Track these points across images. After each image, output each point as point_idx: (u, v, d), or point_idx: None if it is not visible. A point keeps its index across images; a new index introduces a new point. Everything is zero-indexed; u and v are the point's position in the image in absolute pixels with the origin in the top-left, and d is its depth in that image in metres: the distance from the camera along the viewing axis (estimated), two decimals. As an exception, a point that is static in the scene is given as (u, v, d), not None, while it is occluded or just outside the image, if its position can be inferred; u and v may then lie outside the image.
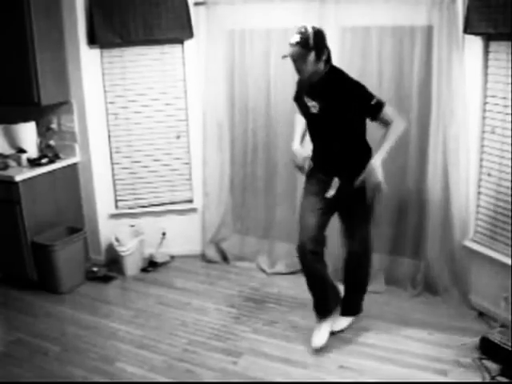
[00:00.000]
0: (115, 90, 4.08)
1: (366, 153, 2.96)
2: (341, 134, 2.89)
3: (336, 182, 2.96)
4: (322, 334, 3.10)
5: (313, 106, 2.89)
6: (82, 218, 4.25)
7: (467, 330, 3.23)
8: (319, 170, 3.06)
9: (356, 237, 3.12)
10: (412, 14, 3.34)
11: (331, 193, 2.96)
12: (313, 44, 2.69)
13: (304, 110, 2.99)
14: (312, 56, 2.70)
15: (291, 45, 2.73)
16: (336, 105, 2.79)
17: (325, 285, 3.10)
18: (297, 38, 2.71)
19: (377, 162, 2.74)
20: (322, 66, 2.77)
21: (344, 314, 3.28)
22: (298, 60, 2.73)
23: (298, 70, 2.79)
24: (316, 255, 3.00)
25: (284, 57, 2.77)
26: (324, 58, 2.75)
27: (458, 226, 3.46)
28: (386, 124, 2.80)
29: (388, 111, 2.78)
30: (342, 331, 3.24)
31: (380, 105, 2.77)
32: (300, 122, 3.12)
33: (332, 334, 3.16)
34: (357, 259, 3.19)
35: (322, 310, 3.16)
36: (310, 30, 2.70)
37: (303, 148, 3.07)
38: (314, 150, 3.09)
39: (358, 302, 3.32)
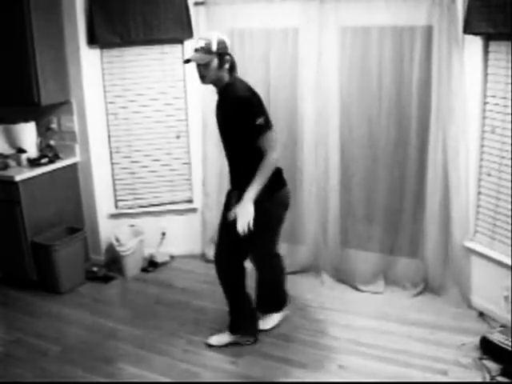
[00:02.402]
0: (115, 89, 4.08)
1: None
2: (238, 146, 2.86)
3: (235, 194, 2.91)
4: (222, 339, 3.20)
5: (219, 115, 2.89)
6: (82, 218, 4.25)
7: (467, 329, 3.23)
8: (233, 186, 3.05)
9: (254, 258, 3.15)
10: (412, 13, 3.34)
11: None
12: (216, 50, 2.70)
13: (219, 126, 2.94)
14: (215, 62, 2.72)
15: (195, 50, 2.74)
16: (227, 116, 2.80)
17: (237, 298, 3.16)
18: (201, 43, 2.72)
19: (248, 198, 2.69)
20: (225, 74, 2.77)
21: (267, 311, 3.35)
22: (201, 65, 2.73)
23: (201, 76, 2.78)
24: (229, 267, 3.07)
25: (186, 61, 2.79)
26: (227, 66, 2.76)
27: (457, 226, 3.47)
28: (262, 150, 2.71)
29: (268, 138, 2.70)
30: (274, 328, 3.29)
31: (262, 128, 2.67)
32: None
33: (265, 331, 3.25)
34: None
35: (231, 325, 3.20)
36: (215, 37, 2.72)
37: None
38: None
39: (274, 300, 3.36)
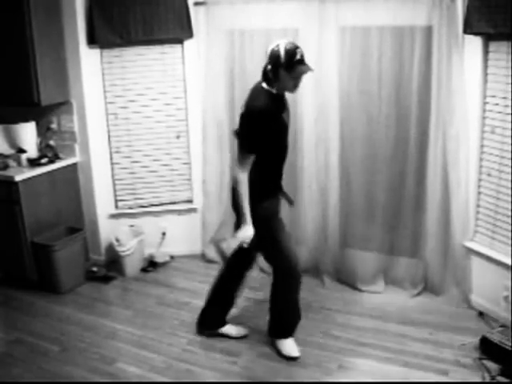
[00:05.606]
0: (115, 89, 4.08)
1: None
2: None
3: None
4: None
5: (286, 120, 2.90)
6: (82, 218, 4.25)
7: (467, 330, 3.23)
8: (280, 190, 3.06)
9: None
10: (412, 13, 3.34)
11: None
12: None
13: (285, 132, 2.89)
14: None
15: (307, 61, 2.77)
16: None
17: None
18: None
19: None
20: None
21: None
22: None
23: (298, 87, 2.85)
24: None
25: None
26: None
27: (457, 226, 3.47)
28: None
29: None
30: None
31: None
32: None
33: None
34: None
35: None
36: None
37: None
38: (276, 173, 2.97)
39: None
